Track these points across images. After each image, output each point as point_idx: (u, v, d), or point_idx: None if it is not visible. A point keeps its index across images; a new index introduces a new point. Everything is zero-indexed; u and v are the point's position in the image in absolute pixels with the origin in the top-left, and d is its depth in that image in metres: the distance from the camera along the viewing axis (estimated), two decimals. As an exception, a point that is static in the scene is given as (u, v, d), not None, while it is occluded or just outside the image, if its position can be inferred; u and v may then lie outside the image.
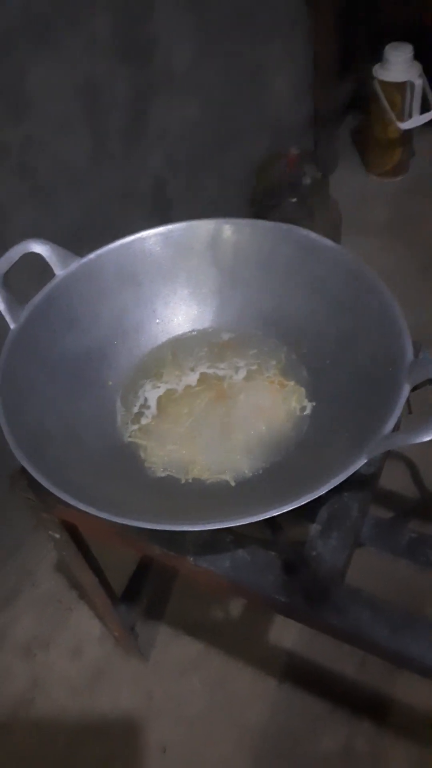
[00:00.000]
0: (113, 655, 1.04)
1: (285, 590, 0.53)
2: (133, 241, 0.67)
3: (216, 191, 1.35)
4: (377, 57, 1.59)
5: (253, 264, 0.68)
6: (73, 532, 0.71)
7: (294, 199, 1.40)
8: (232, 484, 0.57)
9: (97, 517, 0.48)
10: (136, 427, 0.63)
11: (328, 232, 1.47)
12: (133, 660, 1.03)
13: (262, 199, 1.45)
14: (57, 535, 0.69)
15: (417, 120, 1.60)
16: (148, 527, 0.47)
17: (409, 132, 1.66)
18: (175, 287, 0.69)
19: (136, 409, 0.64)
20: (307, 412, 0.62)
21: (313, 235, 0.64)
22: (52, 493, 0.49)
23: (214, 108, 1.22)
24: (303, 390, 0.63)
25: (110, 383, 0.66)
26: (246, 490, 0.56)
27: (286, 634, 1.03)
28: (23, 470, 0.63)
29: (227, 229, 0.67)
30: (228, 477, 0.58)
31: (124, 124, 0.99)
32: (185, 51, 1.08)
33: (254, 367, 0.66)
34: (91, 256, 0.65)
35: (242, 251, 0.68)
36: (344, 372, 0.61)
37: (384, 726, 0.93)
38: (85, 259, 0.65)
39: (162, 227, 0.67)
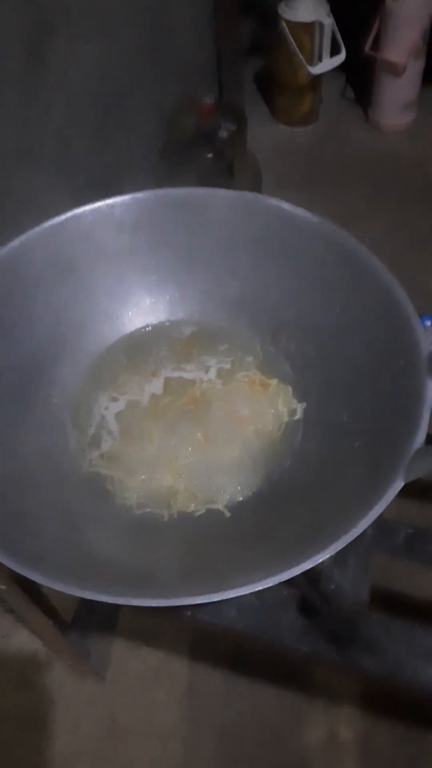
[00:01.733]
0: (66, 680, 0.94)
1: (306, 636, 0.45)
2: (65, 222, 0.54)
3: (125, 147, 1.20)
4: (282, -6, 1.47)
5: (213, 242, 0.57)
6: (20, 580, 0.59)
7: (210, 154, 1.28)
8: (227, 514, 0.48)
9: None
10: (96, 453, 0.52)
11: (249, 188, 1.37)
12: (88, 682, 0.94)
13: (174, 153, 1.31)
14: (3, 587, 0.57)
15: (328, 63, 1.51)
16: (135, 604, 0.37)
17: (318, 77, 1.57)
18: (122, 275, 0.57)
19: (92, 430, 0.53)
20: (299, 416, 0.53)
21: (285, 205, 0.55)
22: None
23: (117, 52, 1.07)
24: (289, 388, 0.54)
25: (55, 401, 0.53)
26: (244, 524, 0.47)
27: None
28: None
29: (179, 200, 0.56)
30: (220, 506, 0.48)
31: (19, 70, 0.83)
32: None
33: (227, 366, 0.56)
34: (14, 243, 0.52)
35: (199, 227, 0.57)
36: (336, 365, 0.52)
37: (365, 710, 0.90)
38: (6, 249, 0.51)
39: (100, 202, 0.55)
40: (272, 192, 1.41)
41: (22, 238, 0.52)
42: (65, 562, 0.40)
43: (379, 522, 0.58)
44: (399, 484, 0.40)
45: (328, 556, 0.37)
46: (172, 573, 0.42)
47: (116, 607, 0.97)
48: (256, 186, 1.38)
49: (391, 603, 0.92)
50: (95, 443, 0.52)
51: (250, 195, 0.55)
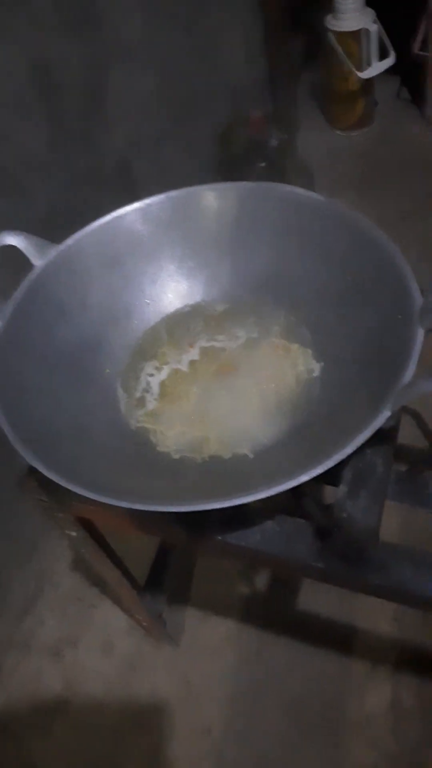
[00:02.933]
0: (144, 646, 1.03)
1: (321, 556, 0.51)
2: (110, 221, 0.64)
3: (180, 164, 1.31)
4: (328, 7, 1.55)
5: (238, 229, 0.65)
6: (89, 527, 0.69)
7: (263, 164, 1.37)
8: (251, 456, 0.55)
9: (116, 507, 0.46)
10: (141, 412, 0.61)
11: (302, 192, 1.44)
12: (164, 647, 1.02)
13: (228, 167, 1.41)
14: (73, 533, 0.67)
15: (376, 67, 1.56)
16: (172, 510, 0.45)
17: (369, 81, 1.63)
18: (161, 264, 0.67)
19: (138, 394, 0.62)
20: (316, 373, 0.60)
21: (298, 190, 0.62)
22: (65, 492, 0.47)
23: (170, 78, 1.18)
24: (309, 351, 0.61)
25: (107, 371, 0.63)
26: (267, 461, 0.54)
27: (314, 600, 1.02)
28: (32, 471, 0.61)
29: (207, 195, 0.65)
30: (246, 450, 0.56)
31: (81, 102, 0.96)
32: (134, 19, 1.03)
33: (255, 335, 0.64)
34: (69, 242, 0.62)
35: (225, 217, 0.65)
36: (350, 328, 0.58)
37: (428, 677, 0.92)
38: (63, 246, 0.62)
39: (139, 202, 0.64)
40: (327, 193, 1.47)
41: (76, 236, 0.62)
42: (120, 490, 0.48)
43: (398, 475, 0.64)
44: (386, 414, 0.46)
45: (322, 470, 0.44)
46: (205, 494, 0.49)
47: (186, 573, 1.06)
48: (309, 189, 1.45)
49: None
50: (141, 404, 0.61)
51: (267, 184, 0.63)
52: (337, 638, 0.99)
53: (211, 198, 0.65)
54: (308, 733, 0.92)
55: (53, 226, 0.93)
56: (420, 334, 0.50)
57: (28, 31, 0.81)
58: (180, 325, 0.66)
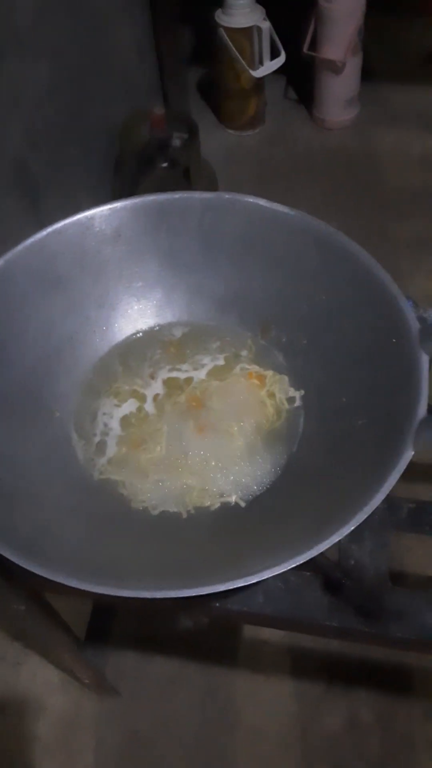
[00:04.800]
0: (82, 700, 0.93)
1: (333, 613, 0.46)
2: (46, 237, 0.54)
3: (79, 163, 1.21)
4: (218, 2, 1.50)
5: (194, 243, 0.58)
6: (38, 598, 0.59)
7: (165, 163, 1.29)
8: (242, 504, 0.49)
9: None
10: (103, 460, 0.52)
11: (206, 194, 1.39)
12: (105, 699, 0.93)
13: (129, 166, 1.32)
14: (22, 607, 0.57)
15: (269, 66, 1.54)
16: (171, 596, 0.38)
17: (261, 80, 1.60)
18: (107, 285, 0.58)
19: (97, 438, 0.53)
20: (298, 403, 0.54)
21: (261, 201, 0.56)
22: (17, 568, 0.38)
23: (65, 70, 1.07)
24: (285, 378, 0.56)
25: (57, 414, 0.54)
26: (261, 511, 0.48)
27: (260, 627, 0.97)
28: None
29: (156, 206, 0.57)
30: (235, 497, 0.49)
31: (-27, 95, 0.83)
32: (26, 4, 0.92)
33: (221, 362, 0.57)
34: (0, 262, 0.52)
35: (179, 230, 0.58)
36: (329, 351, 0.54)
37: (383, 691, 0.91)
38: (-9, 269, 0.51)
39: (80, 215, 0.55)
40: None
41: (7, 256, 0.52)
42: (95, 566, 0.41)
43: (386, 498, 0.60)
44: (410, 454, 0.41)
45: (351, 529, 0.38)
46: (198, 565, 0.42)
47: (129, 617, 0.97)
48: (212, 190, 1.40)
49: (405, 576, 0.93)
50: (101, 450, 0.52)
51: (226, 195, 0.56)
52: (287, 662, 0.95)
53: (163, 210, 0.57)
54: (271, 763, 0.88)
55: None
56: (425, 361, 0.46)
57: None
58: (135, 353, 0.58)
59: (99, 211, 0.56)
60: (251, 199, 0.56)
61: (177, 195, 0.57)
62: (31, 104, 0.97)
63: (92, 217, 0.55)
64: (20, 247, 0.53)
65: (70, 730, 0.91)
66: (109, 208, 0.56)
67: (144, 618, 0.98)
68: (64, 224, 0.54)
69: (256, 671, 0.95)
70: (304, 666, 0.95)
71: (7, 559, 0.38)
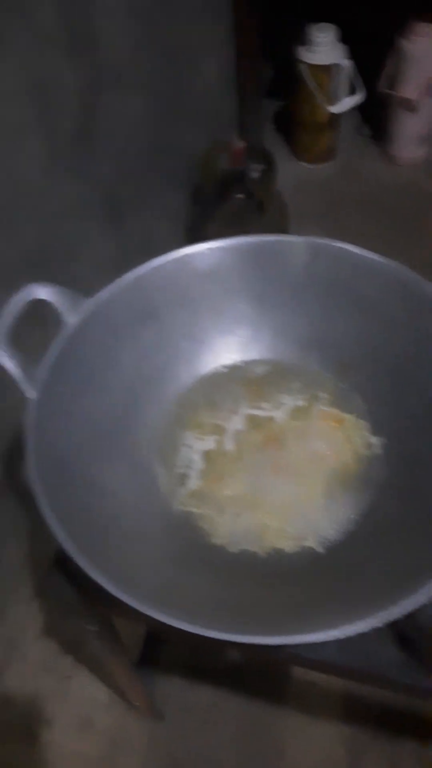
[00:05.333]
0: (127, 720, 0.94)
1: (407, 669, 0.46)
2: (147, 273, 0.56)
3: (161, 191, 1.24)
4: (300, 39, 1.53)
5: (283, 285, 0.59)
6: (108, 621, 0.60)
7: (241, 195, 1.32)
8: (320, 551, 0.49)
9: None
10: (184, 491, 0.54)
11: (278, 225, 1.41)
12: (148, 722, 0.94)
13: (206, 196, 1.36)
14: (95, 629, 0.58)
15: (345, 103, 1.56)
16: (258, 642, 0.38)
17: (336, 116, 1.62)
18: (198, 319, 0.60)
19: (179, 470, 0.55)
20: (378, 450, 0.55)
21: (351, 248, 0.57)
22: (95, 589, 0.39)
23: (155, 103, 1.12)
24: (364, 423, 0.56)
25: (142, 442, 0.56)
26: (341, 559, 0.48)
27: (310, 661, 0.97)
28: (58, 564, 0.52)
29: (250, 248, 0.59)
30: (312, 543, 0.50)
31: (74, 127, 0.87)
32: (126, 41, 0.96)
33: (302, 403, 0.58)
34: (104, 295, 0.54)
35: (269, 272, 0.59)
36: (411, 398, 0.54)
37: (429, 742, 0.89)
38: (96, 300, 0.54)
39: (178, 252, 0.57)
40: (296, 225, 1.45)
41: (111, 288, 0.54)
42: (176, 599, 0.42)
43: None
44: None
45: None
46: (278, 610, 0.43)
47: (180, 646, 0.98)
48: (284, 222, 1.42)
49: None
50: (182, 482, 0.54)
51: (318, 240, 0.57)
52: (334, 704, 0.94)
53: (256, 251, 0.59)
54: (309, 808, 0.87)
55: (39, 264, 0.84)
56: None
57: (31, 46, 0.72)
58: (218, 388, 0.59)
59: (197, 250, 0.58)
60: (341, 245, 0.57)
61: (271, 238, 0.58)
62: (123, 135, 1.02)
63: (190, 255, 0.58)
64: (123, 280, 0.55)
65: (115, 750, 0.92)
66: (208, 248, 0.58)
67: (193, 646, 0.98)
68: (164, 261, 0.57)
69: (300, 710, 0.94)
70: (351, 711, 0.93)
71: (86, 583, 0.39)
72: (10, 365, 0.47)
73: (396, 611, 0.37)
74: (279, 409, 0.58)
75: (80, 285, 0.54)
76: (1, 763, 0.91)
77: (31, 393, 0.47)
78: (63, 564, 0.51)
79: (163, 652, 0.95)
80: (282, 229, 1.42)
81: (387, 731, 0.91)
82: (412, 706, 0.92)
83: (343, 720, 0.92)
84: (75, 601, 0.51)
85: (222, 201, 1.32)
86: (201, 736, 0.93)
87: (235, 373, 0.60)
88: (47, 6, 0.74)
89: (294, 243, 0.58)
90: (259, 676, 0.97)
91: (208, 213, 1.32)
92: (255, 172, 1.32)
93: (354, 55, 1.54)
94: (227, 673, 0.96)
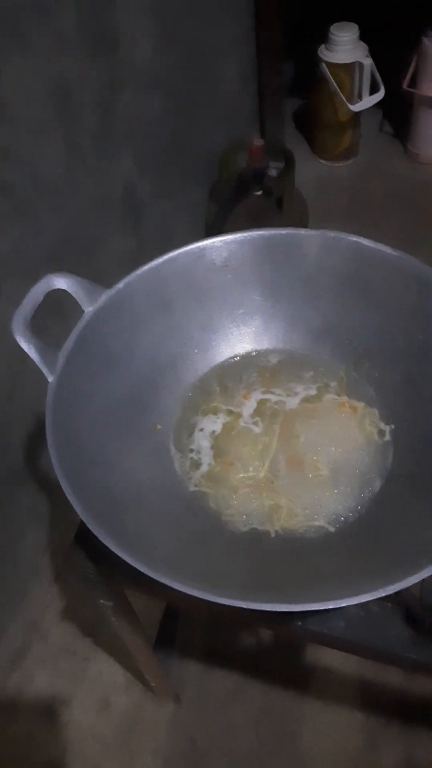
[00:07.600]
0: (145, 702, 0.96)
1: (412, 645, 0.47)
2: (162, 264, 0.59)
3: (179, 187, 1.27)
4: (321, 38, 1.54)
5: (296, 277, 0.61)
6: (123, 595, 0.63)
7: (259, 192, 1.34)
8: (331, 530, 0.51)
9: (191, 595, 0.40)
10: (198, 473, 0.56)
11: (297, 223, 1.42)
12: (166, 704, 0.96)
13: (224, 193, 1.38)
14: (110, 603, 0.61)
15: (367, 101, 1.57)
16: (266, 609, 0.40)
17: (357, 114, 1.63)
18: (211, 310, 0.62)
19: (193, 453, 0.57)
20: (387, 437, 0.56)
21: (365, 241, 0.59)
22: (113, 564, 0.41)
23: (174, 101, 1.14)
24: (375, 412, 0.58)
25: (159, 427, 0.58)
26: (349, 538, 0.50)
27: (322, 652, 0.98)
28: (78, 542, 0.54)
29: (264, 241, 0.60)
30: (323, 522, 0.51)
31: (94, 125, 0.90)
32: (146, 40, 0.99)
33: (314, 391, 0.60)
34: (120, 285, 0.57)
35: (283, 264, 0.61)
36: (422, 389, 0.55)
37: (440, 732, 0.90)
38: (113, 290, 0.56)
39: (192, 245, 0.59)
40: (316, 223, 1.46)
41: (128, 279, 0.57)
42: (188, 570, 0.44)
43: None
44: None
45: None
46: (286, 583, 0.45)
47: (195, 628, 1.00)
48: (303, 220, 1.43)
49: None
50: (196, 464, 0.56)
51: (330, 233, 0.59)
52: (348, 691, 0.96)
53: (267, 244, 0.60)
54: (322, 793, 0.88)
55: (61, 257, 0.87)
56: None
57: (53, 47, 0.75)
58: (231, 376, 0.62)
59: (210, 243, 0.60)
60: (354, 238, 0.58)
61: (284, 231, 0.60)
62: (142, 132, 1.04)
63: (204, 248, 0.60)
64: (139, 271, 0.57)
65: (132, 731, 0.95)
66: (221, 240, 0.60)
67: (209, 631, 1.00)
68: (179, 253, 0.59)
69: (315, 697, 0.95)
70: (366, 698, 0.94)
71: (105, 559, 0.42)
72: (30, 350, 0.50)
73: (401, 585, 0.39)
74: (291, 397, 0.60)
75: (102, 278, 0.56)
76: (20, 742, 0.94)
77: (50, 377, 0.50)
78: (83, 541, 0.54)
79: (179, 636, 0.98)
80: (301, 227, 1.43)
81: (403, 718, 0.92)
82: (428, 694, 0.93)
83: (360, 707, 0.94)
84: (94, 575, 0.54)
85: (241, 198, 1.34)
86: (216, 720, 0.95)
87: (248, 362, 0.62)
88: (69, 7, 0.76)
89: (306, 236, 0.60)
90: (277, 662, 0.98)
91: (227, 210, 1.34)
92: (274, 169, 1.34)
93: (375, 53, 1.55)
94: (244, 659, 0.98)
